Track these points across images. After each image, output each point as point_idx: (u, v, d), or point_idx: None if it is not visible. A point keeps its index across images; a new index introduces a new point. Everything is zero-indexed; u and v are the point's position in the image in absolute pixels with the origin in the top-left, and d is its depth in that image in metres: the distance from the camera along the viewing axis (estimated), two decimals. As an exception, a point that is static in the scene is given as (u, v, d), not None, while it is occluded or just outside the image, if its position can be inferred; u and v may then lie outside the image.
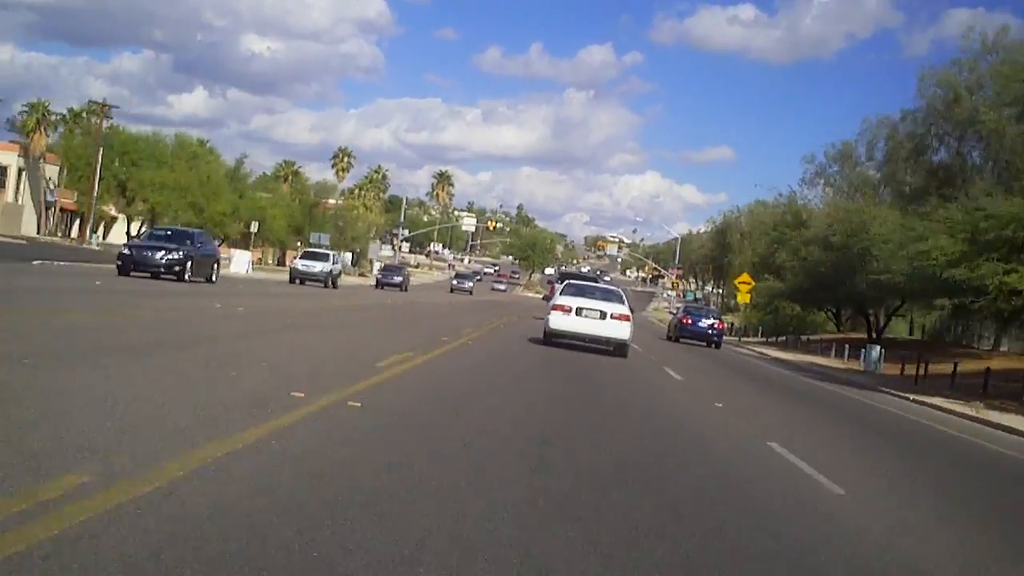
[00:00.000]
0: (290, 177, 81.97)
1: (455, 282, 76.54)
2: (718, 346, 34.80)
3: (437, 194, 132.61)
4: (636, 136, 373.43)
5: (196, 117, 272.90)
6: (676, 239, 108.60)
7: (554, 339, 19.43)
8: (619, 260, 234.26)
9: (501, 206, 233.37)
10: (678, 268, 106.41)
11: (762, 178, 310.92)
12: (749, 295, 48.94)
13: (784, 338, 51.65)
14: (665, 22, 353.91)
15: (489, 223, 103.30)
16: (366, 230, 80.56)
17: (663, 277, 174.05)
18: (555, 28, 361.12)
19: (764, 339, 55.06)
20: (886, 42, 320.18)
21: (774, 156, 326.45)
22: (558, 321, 19.24)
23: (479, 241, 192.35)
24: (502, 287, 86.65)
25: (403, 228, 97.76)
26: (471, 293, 69.97)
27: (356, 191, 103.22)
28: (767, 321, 57.83)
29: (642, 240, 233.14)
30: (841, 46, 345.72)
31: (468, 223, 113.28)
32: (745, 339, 54.40)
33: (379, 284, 53.83)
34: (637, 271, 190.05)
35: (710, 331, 34.84)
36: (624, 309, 19.48)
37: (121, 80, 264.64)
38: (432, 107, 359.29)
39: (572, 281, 23.39)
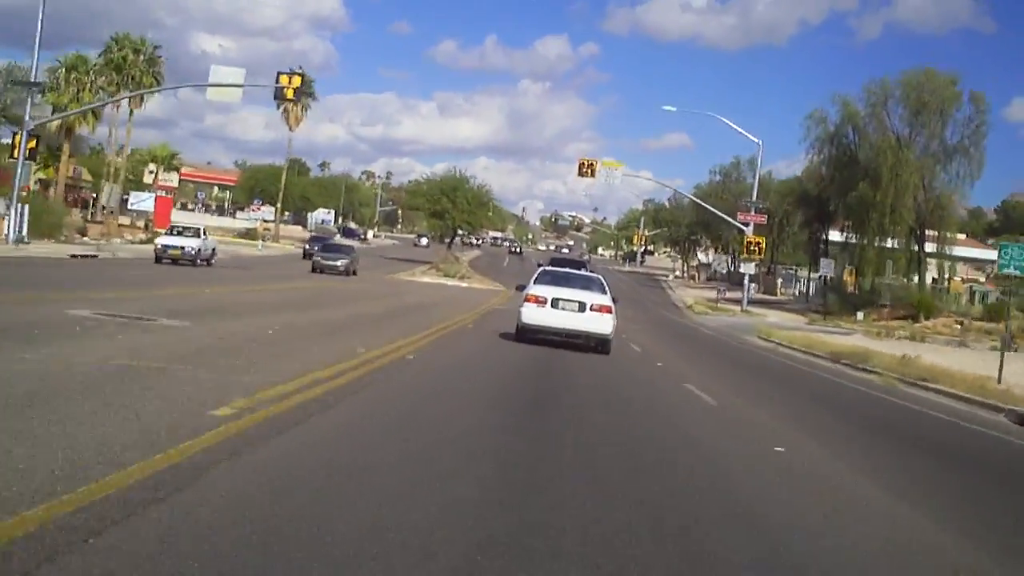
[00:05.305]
0: None
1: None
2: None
3: (288, 114, 77.60)
4: (592, 125, 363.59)
5: (148, 117, 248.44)
6: (757, 144, 55.86)
7: (528, 335, 18.05)
8: (584, 239, 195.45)
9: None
10: (761, 213, 54.41)
11: (718, 160, 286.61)
12: None
13: None
14: (618, 11, 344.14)
15: (286, 89, 39.39)
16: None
17: (653, 253, 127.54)
18: (510, 20, 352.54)
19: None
20: (839, 27, 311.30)
21: (729, 140, 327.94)
22: (532, 314, 17.92)
23: (398, 207, 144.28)
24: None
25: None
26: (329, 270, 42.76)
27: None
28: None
29: (604, 219, 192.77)
30: (793, 32, 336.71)
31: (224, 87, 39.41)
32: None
33: None
34: (615, 248, 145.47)
35: None
36: (606, 300, 18.16)
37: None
38: (387, 101, 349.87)
39: (548, 268, 21.83)
